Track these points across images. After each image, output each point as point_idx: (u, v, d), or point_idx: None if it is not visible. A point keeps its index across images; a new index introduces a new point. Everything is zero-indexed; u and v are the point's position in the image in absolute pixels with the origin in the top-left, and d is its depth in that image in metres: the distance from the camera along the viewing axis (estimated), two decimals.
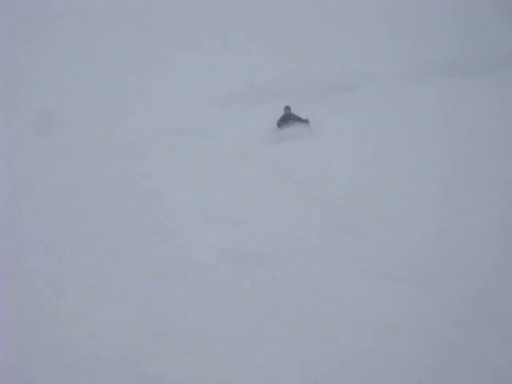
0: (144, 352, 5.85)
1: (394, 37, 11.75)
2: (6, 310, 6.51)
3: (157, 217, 8.19)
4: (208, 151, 9.92)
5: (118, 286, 6.84)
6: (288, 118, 10.50)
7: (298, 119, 10.48)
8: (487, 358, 5.41)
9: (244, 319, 6.23)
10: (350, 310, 6.18)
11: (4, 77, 11.52)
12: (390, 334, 5.80)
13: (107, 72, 11.92)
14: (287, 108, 10.64)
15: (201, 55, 12.54)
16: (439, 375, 5.33)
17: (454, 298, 6.13)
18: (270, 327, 6.07)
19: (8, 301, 6.65)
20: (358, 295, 6.39)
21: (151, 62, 12.35)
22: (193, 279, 6.90)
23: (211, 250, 7.41)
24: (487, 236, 7.03)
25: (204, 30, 13.06)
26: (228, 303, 6.48)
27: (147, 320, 6.28)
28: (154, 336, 6.05)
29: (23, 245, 7.63)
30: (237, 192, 8.76)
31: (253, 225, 7.92)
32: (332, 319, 6.07)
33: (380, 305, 6.19)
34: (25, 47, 12.64)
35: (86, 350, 5.91)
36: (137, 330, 6.13)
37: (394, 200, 8.04)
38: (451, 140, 9.32)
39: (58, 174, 9.35)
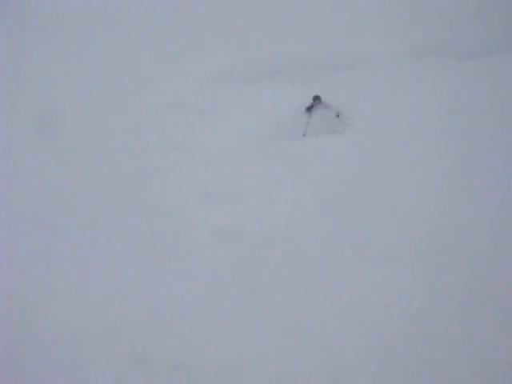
0: (135, 328, 5.98)
1: (390, 18, 11.59)
2: None
3: (150, 193, 8.24)
4: (204, 129, 9.90)
5: (111, 262, 6.93)
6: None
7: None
8: (483, 338, 5.56)
9: (235, 297, 6.32)
10: (344, 289, 6.27)
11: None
12: (384, 314, 5.91)
13: (109, 65, 11.85)
14: (317, 98, 10.10)
15: (198, 34, 12.43)
16: (432, 355, 5.45)
17: (450, 279, 6.21)
18: (261, 306, 6.16)
19: None
20: (352, 275, 6.46)
21: (152, 53, 12.27)
22: (185, 257, 6.97)
23: (204, 227, 7.47)
24: (485, 218, 7.06)
25: (201, 11, 12.95)
26: (220, 281, 6.56)
27: (139, 296, 6.39)
28: (145, 312, 6.17)
29: (15, 221, 7.68)
30: (233, 171, 8.79)
31: (247, 204, 7.95)
32: (325, 299, 6.16)
33: (374, 285, 6.28)
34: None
35: (78, 325, 6.03)
36: (128, 307, 6.25)
37: (391, 182, 8.04)
38: (447, 122, 9.25)
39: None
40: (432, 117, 9.36)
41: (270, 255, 6.90)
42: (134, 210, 7.88)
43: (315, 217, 7.51)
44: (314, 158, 8.98)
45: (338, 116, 9.79)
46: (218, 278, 6.61)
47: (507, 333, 5.56)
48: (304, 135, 9.57)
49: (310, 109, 9.97)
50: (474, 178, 7.82)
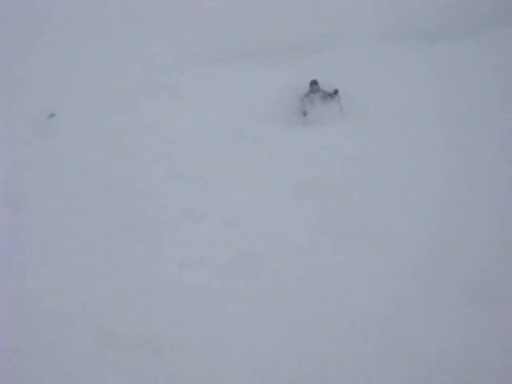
0: (104, 307, 5.82)
1: (363, 1, 11.67)
2: None
3: (123, 171, 8.16)
4: (175, 107, 9.82)
5: (79, 241, 6.78)
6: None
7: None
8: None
9: (206, 277, 6.19)
10: (320, 272, 6.13)
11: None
12: (363, 300, 5.78)
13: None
14: (314, 82, 9.77)
15: (172, 16, 12.36)
16: (413, 347, 5.27)
17: (418, 260, 6.12)
18: (232, 285, 6.05)
19: None
20: (323, 256, 6.36)
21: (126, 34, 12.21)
22: (155, 235, 6.85)
23: (174, 207, 7.38)
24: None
25: None
26: (190, 261, 6.43)
27: (108, 275, 6.24)
28: (114, 291, 6.02)
29: None
30: (203, 150, 8.70)
31: (219, 184, 7.86)
32: (301, 281, 6.04)
33: (350, 268, 6.16)
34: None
35: (47, 304, 5.87)
36: (97, 285, 6.09)
37: (373, 166, 7.94)
38: (428, 103, 9.25)
39: None
40: (414, 95, 9.28)
41: (242, 236, 6.80)
42: (104, 188, 7.76)
43: (289, 199, 7.42)
44: (289, 142, 8.90)
45: (336, 93, 9.46)
46: (188, 257, 6.48)
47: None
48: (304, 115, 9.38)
49: (307, 95, 9.64)
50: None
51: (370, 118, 9.08)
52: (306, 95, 9.72)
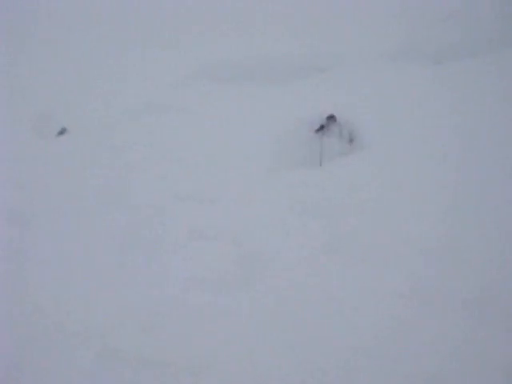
0: (108, 325, 5.81)
1: (368, 19, 11.69)
2: None
3: (126, 189, 8.17)
4: (180, 126, 9.86)
5: (83, 259, 6.78)
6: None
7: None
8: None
9: (209, 295, 6.18)
10: (314, 290, 6.14)
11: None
12: (353, 315, 5.78)
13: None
14: (331, 118, 9.30)
15: (173, 34, 12.43)
16: (400, 355, 5.29)
17: (417, 278, 6.11)
18: (236, 305, 6.03)
19: None
20: (323, 275, 6.35)
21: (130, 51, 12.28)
22: (159, 255, 6.86)
23: (179, 225, 7.37)
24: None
25: (177, 11, 12.96)
26: (195, 280, 6.42)
27: (113, 292, 6.23)
28: (119, 309, 6.01)
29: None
30: (209, 170, 8.71)
31: (223, 205, 7.85)
32: (302, 301, 6.01)
33: (344, 285, 6.15)
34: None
35: (50, 319, 5.86)
36: (101, 303, 6.08)
37: (369, 184, 7.95)
38: (425, 122, 9.23)
39: None
40: (411, 114, 9.26)
41: (247, 255, 6.79)
42: (107, 205, 7.78)
43: (295, 219, 7.41)
44: (299, 175, 8.73)
45: (351, 141, 9.10)
46: (194, 275, 6.47)
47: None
48: (320, 165, 8.77)
49: (321, 129, 9.16)
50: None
51: (378, 145, 9.01)
52: (321, 131, 9.23)
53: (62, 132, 9.76)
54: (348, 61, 11.05)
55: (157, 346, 5.57)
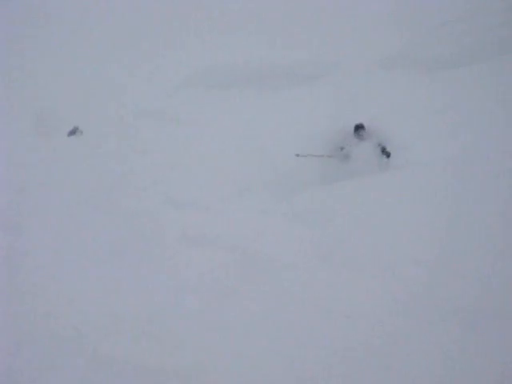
0: (100, 332, 5.85)
1: (363, 27, 11.67)
2: None
3: (117, 197, 8.18)
4: (173, 133, 9.87)
5: (75, 264, 6.81)
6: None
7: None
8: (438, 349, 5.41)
9: (202, 302, 6.21)
10: (309, 296, 6.17)
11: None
12: (346, 323, 5.80)
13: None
14: (360, 126, 8.95)
15: (166, 41, 12.45)
16: (390, 363, 5.33)
17: (408, 287, 6.11)
18: (228, 311, 6.07)
19: None
20: (318, 282, 6.36)
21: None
22: (151, 261, 6.88)
23: (172, 232, 7.39)
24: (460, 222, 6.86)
25: (169, 18, 12.98)
26: (186, 286, 6.46)
27: (105, 299, 6.26)
28: (110, 316, 6.05)
29: None
30: (199, 176, 8.73)
31: (216, 211, 7.87)
32: (290, 305, 6.06)
33: (338, 293, 6.17)
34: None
35: (42, 327, 5.90)
36: (94, 309, 6.12)
37: (360, 191, 7.91)
38: (420, 130, 9.12)
39: None
40: (406, 123, 9.20)
41: (240, 261, 6.83)
42: (100, 212, 7.81)
43: (288, 226, 7.43)
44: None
45: (387, 156, 8.62)
46: (186, 282, 6.52)
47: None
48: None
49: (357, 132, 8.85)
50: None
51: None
52: (348, 142, 8.86)
53: (74, 132, 9.61)
54: (344, 69, 11.00)
55: (149, 352, 5.63)
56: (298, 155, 8.62)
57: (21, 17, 13.72)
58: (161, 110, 10.58)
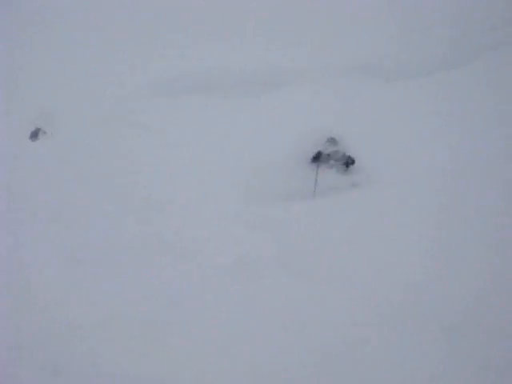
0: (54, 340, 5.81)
1: (329, 34, 11.77)
2: None
3: (81, 203, 8.14)
4: (136, 139, 9.81)
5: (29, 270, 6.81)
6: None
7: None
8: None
9: (161, 311, 6.19)
10: (267, 306, 6.14)
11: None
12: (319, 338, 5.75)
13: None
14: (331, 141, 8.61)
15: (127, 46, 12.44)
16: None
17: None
18: (185, 318, 6.06)
19: None
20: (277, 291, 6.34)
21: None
22: (115, 265, 6.90)
23: (134, 235, 7.43)
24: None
25: (133, 23, 12.98)
26: (149, 293, 6.44)
27: (58, 306, 6.26)
28: (65, 323, 6.03)
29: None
30: (165, 179, 8.72)
31: (178, 214, 7.91)
32: (258, 318, 6.02)
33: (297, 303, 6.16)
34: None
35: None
36: (47, 318, 6.11)
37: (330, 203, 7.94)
38: (386, 138, 9.18)
39: None
40: (371, 129, 9.24)
41: (196, 269, 6.83)
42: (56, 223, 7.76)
43: (246, 231, 7.44)
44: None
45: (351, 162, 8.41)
46: (146, 291, 6.48)
47: None
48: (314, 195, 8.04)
49: (317, 158, 8.37)
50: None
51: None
52: (318, 159, 8.42)
53: (36, 134, 9.48)
54: (310, 76, 10.96)
55: (107, 358, 5.59)
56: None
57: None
58: (121, 116, 10.54)
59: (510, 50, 10.87)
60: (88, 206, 8.04)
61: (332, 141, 8.53)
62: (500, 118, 9.20)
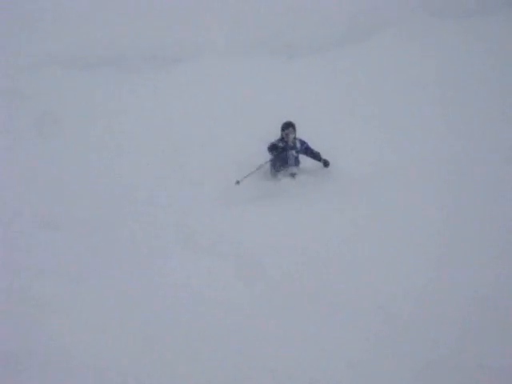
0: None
1: (234, 14, 11.89)
2: None
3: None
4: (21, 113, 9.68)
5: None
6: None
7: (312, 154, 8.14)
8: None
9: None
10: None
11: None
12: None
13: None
14: (289, 126, 8.10)
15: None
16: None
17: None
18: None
19: None
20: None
21: None
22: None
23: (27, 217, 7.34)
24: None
25: None
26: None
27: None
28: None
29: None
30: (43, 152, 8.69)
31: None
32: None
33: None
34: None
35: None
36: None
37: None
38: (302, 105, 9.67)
39: None
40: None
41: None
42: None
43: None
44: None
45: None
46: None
47: None
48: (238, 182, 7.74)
49: (274, 150, 8.02)
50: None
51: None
52: (277, 148, 8.07)
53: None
54: (204, 52, 11.27)
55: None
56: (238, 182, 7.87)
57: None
58: (15, 89, 10.30)
59: (405, 27, 11.54)
60: None
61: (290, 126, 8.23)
62: (389, 86, 10.19)
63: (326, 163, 8.15)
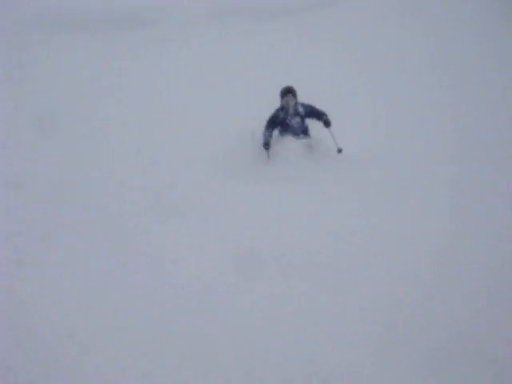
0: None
1: None
2: None
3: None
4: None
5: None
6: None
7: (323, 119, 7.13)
8: None
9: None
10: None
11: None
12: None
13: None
14: (288, 92, 7.15)
15: None
16: None
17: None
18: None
19: None
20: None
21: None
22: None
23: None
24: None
25: None
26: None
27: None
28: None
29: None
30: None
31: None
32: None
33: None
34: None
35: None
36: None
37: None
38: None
39: None
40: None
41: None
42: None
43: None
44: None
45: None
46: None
47: None
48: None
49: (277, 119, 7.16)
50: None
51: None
52: (276, 119, 7.17)
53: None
54: (176, 15, 11.17)
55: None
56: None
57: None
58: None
59: None
60: None
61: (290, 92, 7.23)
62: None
63: (326, 123, 7.09)
